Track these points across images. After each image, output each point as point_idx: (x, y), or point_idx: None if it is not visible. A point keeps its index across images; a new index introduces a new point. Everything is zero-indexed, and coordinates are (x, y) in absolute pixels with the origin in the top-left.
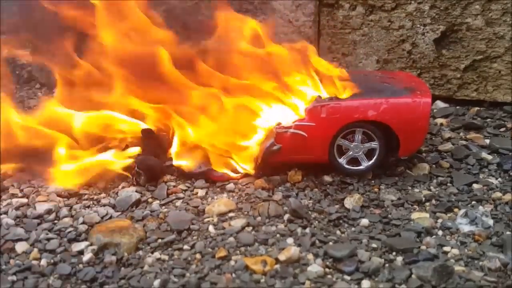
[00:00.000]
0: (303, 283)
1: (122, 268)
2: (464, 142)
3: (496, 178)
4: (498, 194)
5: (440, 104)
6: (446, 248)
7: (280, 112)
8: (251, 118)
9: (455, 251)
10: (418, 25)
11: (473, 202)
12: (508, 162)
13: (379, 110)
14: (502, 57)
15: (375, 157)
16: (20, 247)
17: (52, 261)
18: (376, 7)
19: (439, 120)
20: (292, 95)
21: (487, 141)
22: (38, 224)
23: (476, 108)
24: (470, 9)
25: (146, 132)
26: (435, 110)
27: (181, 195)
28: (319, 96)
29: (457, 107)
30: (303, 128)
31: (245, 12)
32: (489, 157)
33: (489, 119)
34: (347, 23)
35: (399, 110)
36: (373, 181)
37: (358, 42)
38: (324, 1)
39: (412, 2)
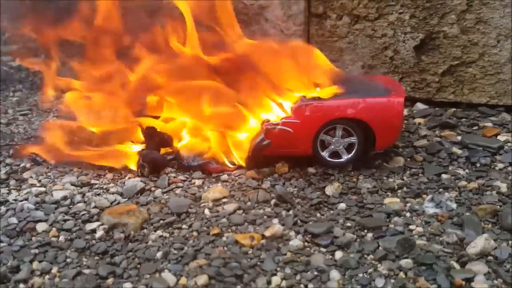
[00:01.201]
0: (285, 254)
1: (129, 243)
2: (438, 139)
3: (464, 170)
4: (464, 183)
5: (420, 105)
6: (411, 227)
7: (270, 110)
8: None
9: (420, 229)
10: (399, 34)
11: (440, 190)
12: (475, 156)
13: (357, 108)
14: (476, 62)
15: (354, 151)
16: (40, 227)
17: (69, 237)
18: (361, 17)
19: (418, 120)
20: (281, 96)
21: (459, 137)
22: (55, 208)
23: (453, 109)
24: (446, 19)
25: (149, 130)
26: (415, 111)
27: (180, 184)
28: (304, 96)
29: (436, 109)
30: (290, 124)
31: (240, 22)
32: (459, 151)
33: (464, 119)
34: (334, 32)
35: (375, 109)
36: (352, 172)
37: (345, 49)
38: (313, 12)
39: (394, 12)
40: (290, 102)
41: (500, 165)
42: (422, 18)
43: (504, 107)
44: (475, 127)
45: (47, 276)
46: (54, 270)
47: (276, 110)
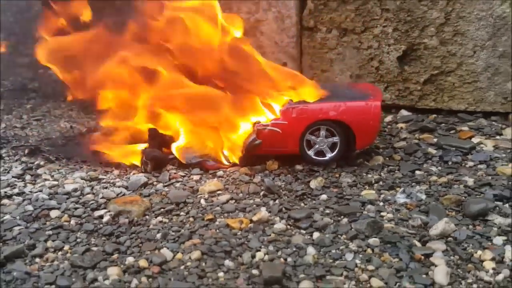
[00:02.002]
0: (269, 235)
1: (133, 227)
2: (416, 141)
3: (437, 167)
4: (435, 178)
5: (404, 112)
6: (383, 213)
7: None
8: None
9: (390, 215)
10: (384, 45)
11: (413, 184)
12: (448, 155)
13: (339, 111)
14: (455, 72)
15: (337, 150)
16: (53, 213)
17: (79, 222)
18: (348, 30)
19: (400, 125)
20: (270, 100)
21: (436, 139)
22: (67, 198)
23: (434, 115)
24: (426, 31)
25: (152, 131)
26: (398, 117)
27: (180, 179)
28: (291, 100)
29: (418, 115)
30: (278, 126)
31: None
32: (434, 151)
33: (443, 124)
34: (324, 44)
35: (354, 111)
36: (335, 169)
37: (334, 60)
38: (305, 25)
39: (378, 25)
40: (278, 105)
41: (470, 163)
42: (404, 31)
43: (482, 113)
44: (453, 131)
45: (59, 252)
46: (66, 247)
47: (266, 112)
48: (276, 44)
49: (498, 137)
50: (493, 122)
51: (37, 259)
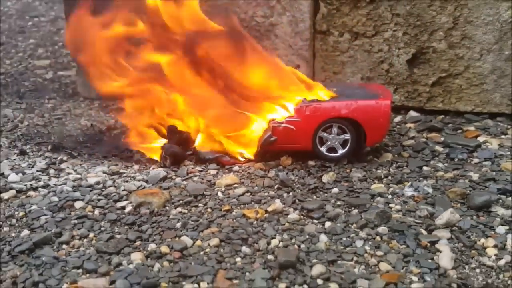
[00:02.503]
0: (284, 224)
1: (154, 217)
2: (424, 140)
3: (443, 164)
4: (441, 173)
5: (412, 113)
6: (391, 205)
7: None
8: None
9: (398, 206)
10: (394, 49)
11: (420, 178)
12: (455, 152)
13: (350, 109)
14: (462, 74)
15: (348, 146)
16: (78, 204)
17: (102, 212)
18: (360, 34)
19: (409, 125)
20: (285, 99)
21: (443, 138)
22: (90, 190)
23: (442, 116)
24: (435, 35)
25: (171, 128)
26: (407, 118)
27: (197, 173)
28: (305, 99)
29: (427, 116)
30: (292, 123)
31: (253, 38)
32: (441, 149)
33: (450, 124)
34: (336, 47)
35: (365, 109)
36: (346, 165)
37: (346, 63)
38: (318, 29)
39: (389, 30)
40: (292, 103)
41: (476, 160)
42: (414, 35)
43: (488, 114)
44: (459, 131)
45: (85, 240)
46: (91, 235)
47: (281, 111)
48: (290, 47)
49: (503, 136)
50: (499, 123)
51: (64, 246)
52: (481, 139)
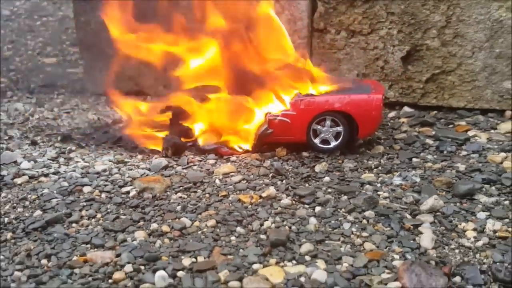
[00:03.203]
0: (276, 208)
1: (156, 201)
2: (416, 133)
3: (432, 156)
4: (430, 164)
5: (406, 109)
6: (379, 192)
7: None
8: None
9: (385, 194)
10: (389, 46)
11: (409, 169)
12: (444, 145)
13: (343, 103)
14: (455, 71)
15: (340, 138)
16: (86, 189)
17: (108, 196)
18: (356, 32)
19: (402, 120)
20: (281, 93)
21: (434, 132)
22: (97, 177)
23: (435, 112)
24: (428, 33)
25: (172, 121)
26: (401, 113)
27: (197, 163)
28: (299, 93)
29: (420, 111)
30: (288, 116)
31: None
32: (431, 142)
33: (442, 119)
34: (333, 44)
35: (357, 103)
36: (339, 156)
37: (342, 60)
38: (315, 27)
39: (384, 28)
40: (288, 97)
41: (464, 153)
42: (408, 33)
43: (480, 110)
44: (451, 125)
45: (93, 219)
46: (98, 215)
47: (277, 104)
48: None
49: (492, 131)
50: (490, 118)
51: (74, 224)
52: (470, 133)
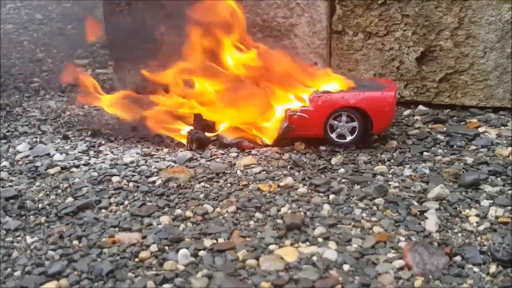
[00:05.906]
0: (293, 196)
1: (180, 190)
2: (428, 130)
3: (443, 150)
4: (439, 158)
5: (421, 107)
6: (390, 182)
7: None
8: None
9: (396, 184)
10: (404, 47)
11: (420, 162)
12: (454, 140)
13: (358, 99)
14: (467, 71)
15: (355, 133)
16: (115, 179)
17: (136, 185)
18: (372, 33)
19: (416, 117)
20: (300, 91)
21: (445, 129)
22: (125, 168)
23: (448, 110)
24: (442, 35)
25: (197, 116)
26: (416, 111)
27: (220, 156)
28: (317, 90)
29: (434, 110)
30: (306, 112)
31: (274, 37)
32: (442, 137)
33: (455, 117)
34: (351, 46)
35: (371, 100)
36: (354, 150)
37: (360, 61)
38: (334, 29)
39: (399, 29)
40: (306, 94)
41: (473, 147)
42: (422, 34)
43: (492, 108)
44: (462, 123)
45: (121, 206)
46: (126, 202)
47: (296, 101)
48: (308, 46)
49: (502, 127)
50: (501, 116)
51: (103, 210)
52: (481, 129)
